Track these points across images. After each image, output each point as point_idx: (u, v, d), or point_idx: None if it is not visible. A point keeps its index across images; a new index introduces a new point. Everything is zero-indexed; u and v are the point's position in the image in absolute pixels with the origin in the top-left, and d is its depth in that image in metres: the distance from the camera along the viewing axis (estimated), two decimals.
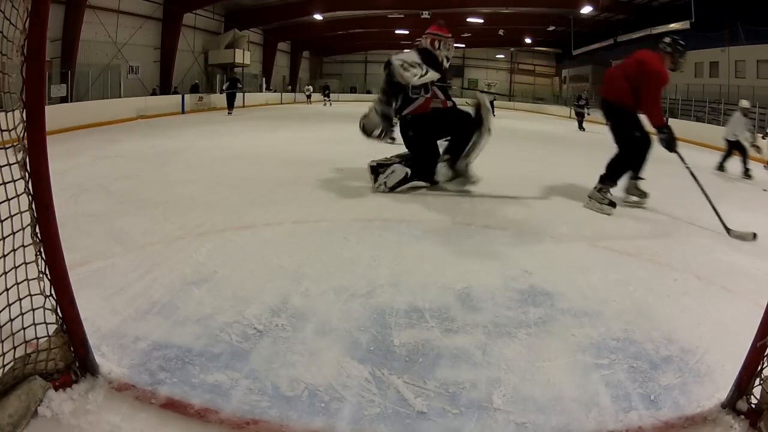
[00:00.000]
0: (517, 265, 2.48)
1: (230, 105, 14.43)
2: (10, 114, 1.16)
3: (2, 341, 1.20)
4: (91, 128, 9.08)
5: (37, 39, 1.15)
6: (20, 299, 1.24)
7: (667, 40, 3.98)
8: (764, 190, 5.80)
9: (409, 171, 4.19)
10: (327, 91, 24.10)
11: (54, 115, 7.96)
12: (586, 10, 17.98)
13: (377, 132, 4.20)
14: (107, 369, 1.44)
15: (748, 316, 1.39)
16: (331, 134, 9.16)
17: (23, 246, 1.23)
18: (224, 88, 14.70)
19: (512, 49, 29.20)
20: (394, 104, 4.23)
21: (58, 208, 1.27)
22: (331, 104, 23.14)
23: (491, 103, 11.73)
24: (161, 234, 2.81)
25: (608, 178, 3.93)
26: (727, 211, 3.59)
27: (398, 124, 4.41)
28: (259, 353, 1.61)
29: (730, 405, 1.35)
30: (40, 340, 1.31)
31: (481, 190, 4.47)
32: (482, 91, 13.16)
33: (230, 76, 15.99)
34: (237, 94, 14.88)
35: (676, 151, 3.82)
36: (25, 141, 1.18)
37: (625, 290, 2.24)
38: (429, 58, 4.27)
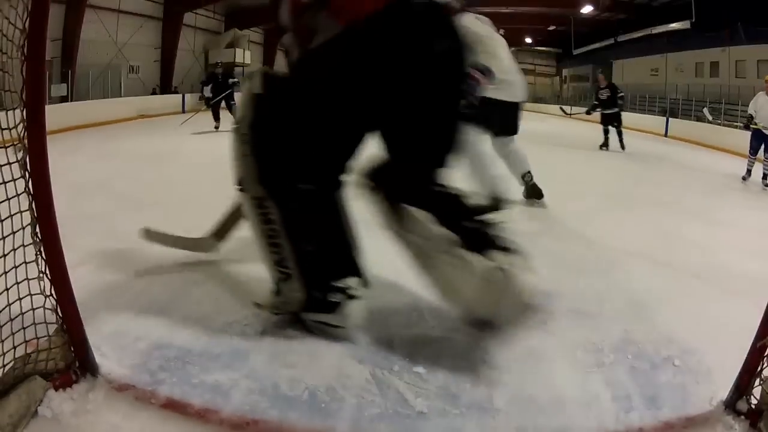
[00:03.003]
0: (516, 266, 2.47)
1: (215, 115, 8.75)
2: (10, 113, 1.16)
3: (2, 341, 1.20)
4: (91, 128, 9.07)
5: (37, 39, 1.15)
6: (20, 299, 1.24)
7: None
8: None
9: None
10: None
11: (54, 115, 7.95)
12: (587, 9, 17.99)
13: None
14: (107, 369, 1.44)
15: (748, 316, 1.39)
16: None
17: (23, 246, 1.23)
18: (207, 92, 8.88)
19: (512, 48, 29.07)
20: None
21: (58, 208, 1.27)
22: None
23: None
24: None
25: None
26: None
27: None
28: (259, 353, 1.61)
29: (730, 405, 1.35)
30: (40, 339, 1.31)
31: (480, 191, 4.47)
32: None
33: (213, 71, 9.56)
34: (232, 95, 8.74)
35: None
36: (26, 140, 1.18)
37: (625, 290, 2.24)
38: None
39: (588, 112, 9.49)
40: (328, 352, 1.63)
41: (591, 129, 12.57)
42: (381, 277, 2.27)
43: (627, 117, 15.52)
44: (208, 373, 1.48)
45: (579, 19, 20.16)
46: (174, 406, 1.33)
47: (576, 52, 22.04)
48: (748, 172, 5.94)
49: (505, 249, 1.58)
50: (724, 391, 1.40)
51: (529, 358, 1.65)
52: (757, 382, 1.31)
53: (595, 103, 9.06)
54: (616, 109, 8.71)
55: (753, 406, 1.31)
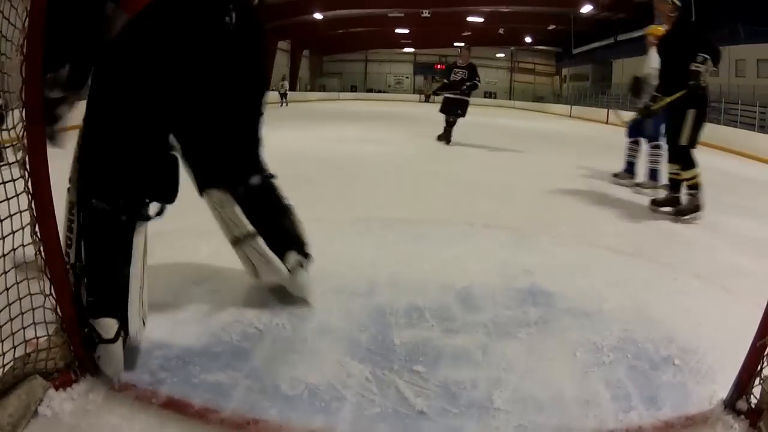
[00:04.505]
0: (517, 265, 2.48)
1: None
2: (9, 113, 1.16)
3: (2, 341, 1.20)
4: None
5: (36, 38, 1.15)
6: (20, 299, 1.24)
7: None
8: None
9: None
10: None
11: None
12: (587, 9, 18.02)
13: None
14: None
15: (748, 316, 1.39)
16: (332, 134, 9.16)
17: (23, 245, 1.23)
18: None
19: (512, 48, 29.21)
20: None
21: (57, 208, 1.27)
22: None
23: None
24: (161, 233, 2.80)
25: None
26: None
27: None
28: (260, 353, 1.61)
29: (730, 405, 1.35)
30: (40, 339, 1.31)
31: (481, 190, 4.47)
32: None
33: None
34: None
35: None
36: (25, 140, 1.18)
37: (625, 290, 2.24)
38: None
39: (436, 93, 7.91)
40: (328, 351, 1.63)
41: (592, 129, 12.59)
42: (380, 277, 2.27)
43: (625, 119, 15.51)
44: (209, 372, 1.48)
45: (579, 18, 20.18)
46: (174, 406, 1.33)
47: (576, 51, 22.06)
48: (630, 165, 4.68)
49: (303, 254, 1.84)
50: (723, 391, 1.41)
51: (528, 357, 1.65)
52: (757, 381, 1.31)
53: (445, 82, 7.25)
54: (466, 98, 7.11)
55: (753, 406, 1.31)
